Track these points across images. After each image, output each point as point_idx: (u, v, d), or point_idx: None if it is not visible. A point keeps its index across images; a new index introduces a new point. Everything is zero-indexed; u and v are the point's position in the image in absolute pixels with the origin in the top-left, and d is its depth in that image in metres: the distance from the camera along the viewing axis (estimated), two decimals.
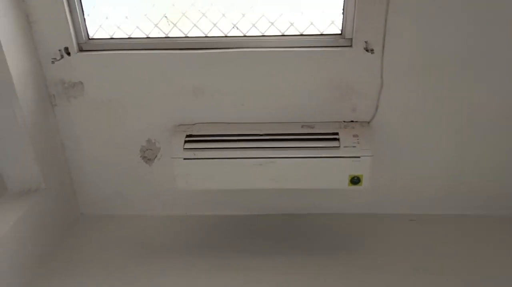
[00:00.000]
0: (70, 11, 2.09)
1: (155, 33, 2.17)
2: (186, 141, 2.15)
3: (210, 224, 2.47)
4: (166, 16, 2.14)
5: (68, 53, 2.14)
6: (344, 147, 2.07)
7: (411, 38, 2.02)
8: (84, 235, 2.43)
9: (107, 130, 2.33)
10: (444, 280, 2.01)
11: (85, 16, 2.14)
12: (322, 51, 2.07)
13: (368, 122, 2.20)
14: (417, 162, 2.33)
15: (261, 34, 2.13)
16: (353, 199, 2.46)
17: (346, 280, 2.04)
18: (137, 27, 2.17)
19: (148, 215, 2.54)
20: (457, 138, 2.26)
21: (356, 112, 2.19)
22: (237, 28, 2.12)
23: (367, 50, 2.02)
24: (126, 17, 2.16)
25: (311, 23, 2.09)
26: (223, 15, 2.11)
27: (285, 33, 2.12)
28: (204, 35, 2.16)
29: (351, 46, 2.05)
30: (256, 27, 2.12)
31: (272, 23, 2.10)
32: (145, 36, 2.18)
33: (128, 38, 2.19)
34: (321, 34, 2.11)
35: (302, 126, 2.19)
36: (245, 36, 2.14)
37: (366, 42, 2.01)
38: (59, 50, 2.13)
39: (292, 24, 2.09)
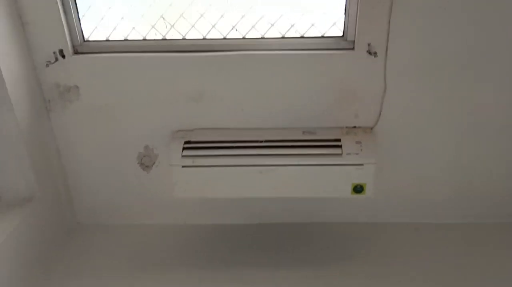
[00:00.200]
0: (65, 12, 2.04)
1: (152, 35, 2.12)
2: (184, 148, 2.09)
3: (210, 234, 2.41)
4: (163, 17, 2.09)
5: (63, 56, 2.09)
6: (347, 154, 2.00)
7: (415, 41, 1.96)
8: (81, 245, 2.38)
9: (103, 136, 2.28)
10: None
11: (80, 17, 2.09)
12: (324, 54, 2.01)
13: (371, 128, 2.14)
14: (422, 169, 2.26)
15: (261, 36, 2.07)
16: (356, 207, 2.39)
17: None
18: (134, 28, 2.12)
19: (147, 224, 2.48)
20: (463, 144, 2.19)
21: (359, 117, 2.13)
22: (237, 30, 2.07)
23: (370, 53, 1.96)
24: (122, 18, 2.11)
25: (312, 25, 2.03)
26: (222, 16, 2.06)
27: (286, 35, 2.06)
28: (202, 37, 2.11)
29: (353, 49, 1.99)
30: (255, 29, 2.06)
31: (272, 25, 2.05)
32: (142, 38, 2.13)
33: (125, 40, 2.14)
34: (323, 37, 2.05)
35: (303, 132, 2.12)
36: (244, 38, 2.08)
37: (369, 44, 1.95)
38: (54, 53, 2.08)
39: (292, 25, 2.04)
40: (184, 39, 2.11)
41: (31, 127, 2.10)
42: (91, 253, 2.30)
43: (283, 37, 2.06)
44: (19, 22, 2.00)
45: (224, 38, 2.09)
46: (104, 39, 2.14)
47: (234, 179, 2.08)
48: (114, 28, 2.12)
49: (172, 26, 2.09)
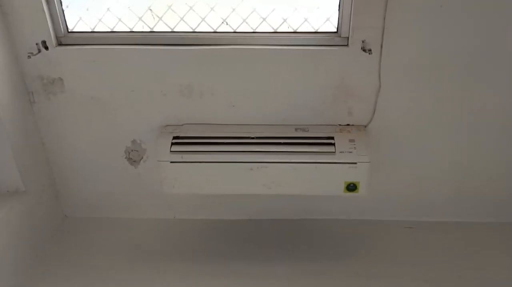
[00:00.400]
0: (47, 2, 1.96)
1: (139, 27, 2.06)
2: (173, 144, 2.05)
3: (200, 229, 2.39)
4: (150, 9, 2.02)
5: (46, 47, 2.02)
6: (340, 152, 1.97)
7: (411, 38, 1.92)
8: (69, 239, 2.35)
9: (90, 129, 2.23)
10: None
11: (64, 8, 2.02)
12: (317, 50, 1.96)
13: (365, 126, 2.11)
14: (417, 167, 2.25)
15: (252, 30, 2.02)
16: (349, 204, 2.38)
17: None
18: (120, 20, 2.05)
19: (135, 218, 2.45)
20: (458, 142, 2.17)
21: (353, 115, 2.09)
22: (227, 24, 2.01)
23: (364, 50, 1.91)
24: (108, 9, 2.04)
25: (305, 20, 1.98)
26: (212, 9, 2.00)
27: (278, 30, 2.01)
28: (191, 30, 2.04)
29: (347, 45, 1.95)
30: (247, 23, 2.01)
31: (264, 19, 1.99)
32: (129, 30, 2.07)
33: (111, 32, 2.07)
34: (316, 32, 2.00)
35: (296, 129, 2.09)
36: (235, 32, 2.03)
37: (363, 41, 1.90)
38: (36, 44, 2.01)
39: (285, 20, 1.98)
40: (172, 32, 2.04)
41: (14, 119, 2.04)
42: (79, 247, 2.28)
43: (275, 32, 2.01)
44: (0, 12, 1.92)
45: (214, 32, 2.03)
46: (89, 30, 2.08)
47: (224, 176, 2.04)
48: (100, 20, 2.05)
49: (160, 18, 2.02)
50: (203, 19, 2.01)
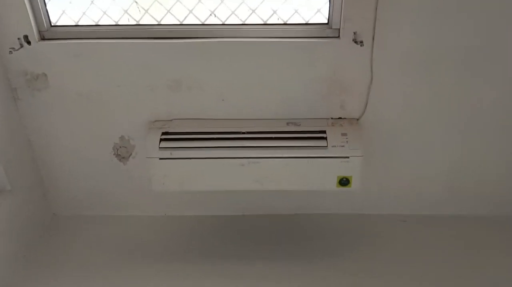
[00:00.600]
0: None
1: (125, 20, 2.00)
2: (162, 140, 2.01)
3: (192, 226, 2.36)
4: (136, 1, 1.97)
5: (28, 42, 1.95)
6: (332, 146, 1.94)
7: (404, 29, 1.87)
8: (58, 238, 2.32)
9: (76, 126, 2.18)
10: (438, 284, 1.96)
11: (46, 1, 1.95)
12: (307, 42, 1.91)
13: (357, 119, 2.08)
14: (410, 160, 2.22)
15: (241, 23, 1.97)
16: (342, 198, 2.35)
17: (334, 284, 1.97)
18: (105, 13, 1.99)
19: (125, 216, 2.41)
20: (453, 136, 2.14)
21: (345, 108, 2.06)
22: (215, 16, 1.96)
23: (356, 42, 1.87)
24: (92, 1, 1.98)
25: (296, 11, 1.93)
26: (200, 0, 1.94)
27: (267, 22, 1.96)
28: (179, 23, 1.99)
29: (338, 37, 1.90)
30: (235, 15, 1.95)
31: (253, 11, 1.94)
32: (114, 24, 2.01)
33: (95, 25, 2.01)
34: (306, 24, 1.95)
35: (287, 123, 2.05)
36: (224, 24, 1.97)
37: (355, 33, 1.86)
38: (18, 39, 1.94)
39: (275, 12, 1.93)
40: (159, 24, 1.99)
41: None
42: (68, 246, 2.25)
43: (264, 24, 1.96)
44: None
45: (202, 24, 1.98)
46: (73, 24, 2.02)
47: (215, 172, 2.01)
48: (84, 13, 1.99)
49: (146, 11, 1.97)
50: (190, 11, 1.96)
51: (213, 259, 2.13)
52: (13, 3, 1.86)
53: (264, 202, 2.38)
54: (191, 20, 1.97)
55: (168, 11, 1.96)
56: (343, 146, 1.94)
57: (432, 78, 1.98)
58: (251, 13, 1.94)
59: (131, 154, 2.23)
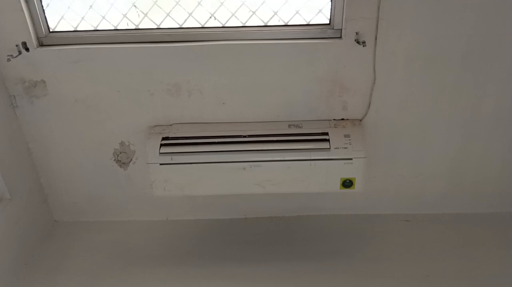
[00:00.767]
0: (27, 1, 1.90)
1: (124, 25, 1.99)
2: (162, 145, 1.99)
3: (194, 230, 2.34)
4: (135, 5, 1.96)
5: (27, 49, 1.95)
6: (335, 148, 1.92)
7: (407, 29, 1.85)
8: (59, 244, 2.30)
9: (76, 132, 2.16)
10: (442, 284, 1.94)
11: (44, 6, 1.95)
12: (309, 43, 1.90)
13: (360, 121, 2.05)
14: (413, 160, 2.20)
15: (242, 25, 1.95)
16: (345, 199, 2.33)
17: (338, 286, 1.95)
18: (104, 17, 1.97)
19: (127, 221, 2.40)
20: (455, 135, 2.13)
21: (347, 110, 2.04)
22: (215, 18, 1.95)
23: (358, 42, 1.85)
24: (91, 6, 1.96)
25: (297, 12, 1.92)
26: (199, 3, 1.93)
27: (268, 24, 1.94)
28: (178, 26, 1.97)
29: (340, 37, 1.88)
30: (236, 17, 1.94)
31: (254, 12, 1.92)
32: (113, 28, 1.99)
33: (94, 30, 2.00)
34: (308, 24, 1.93)
35: (289, 125, 2.03)
36: (224, 27, 1.96)
37: (357, 33, 1.84)
38: (16, 46, 1.93)
39: (275, 13, 1.92)
40: (158, 28, 1.98)
41: None
42: (70, 252, 2.24)
43: (265, 26, 1.95)
44: None
45: (202, 27, 1.97)
46: (72, 29, 2.00)
47: (216, 177, 1.99)
48: (82, 18, 1.98)
49: (146, 15, 1.95)
50: (190, 14, 1.94)
51: (215, 263, 2.11)
52: (11, 9, 1.86)
53: (265, 205, 2.36)
54: (191, 23, 1.96)
55: (168, 14, 1.94)
56: (346, 148, 1.91)
57: (434, 78, 1.96)
58: (251, 15, 1.92)
59: (131, 159, 2.20)
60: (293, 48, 1.91)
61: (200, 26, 1.96)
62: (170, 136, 2.01)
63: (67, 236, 2.34)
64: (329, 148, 1.92)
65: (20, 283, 2.03)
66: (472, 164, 2.20)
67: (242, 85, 2.00)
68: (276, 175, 1.97)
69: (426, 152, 2.17)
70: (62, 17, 1.98)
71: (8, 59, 1.91)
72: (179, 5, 1.93)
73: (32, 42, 1.93)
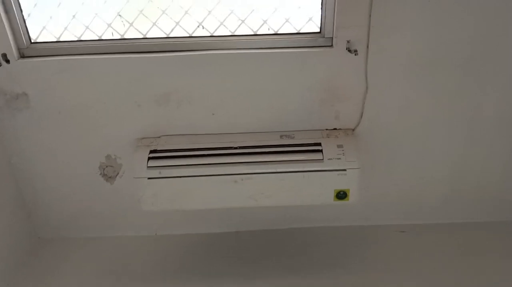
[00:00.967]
0: (6, 11, 1.84)
1: (109, 35, 1.94)
2: (150, 158, 1.93)
3: (183, 244, 2.28)
4: (120, 15, 1.90)
5: (7, 61, 1.89)
6: (328, 159, 1.88)
7: (399, 36, 1.83)
8: (43, 261, 2.23)
9: (60, 146, 2.10)
10: None
11: (25, 16, 1.89)
12: (300, 52, 1.87)
13: (353, 130, 2.02)
14: (407, 170, 2.17)
15: (230, 34, 1.91)
16: (339, 211, 2.30)
17: None
18: (87, 27, 1.92)
19: (114, 237, 2.33)
20: (451, 144, 2.10)
21: (339, 119, 2.01)
22: (203, 27, 1.91)
23: (349, 51, 1.82)
24: (74, 16, 1.91)
25: (287, 20, 1.89)
26: (186, 12, 1.89)
27: (258, 32, 1.91)
28: (165, 36, 1.93)
29: (331, 46, 1.86)
30: (224, 26, 1.90)
31: (243, 21, 1.89)
32: (98, 38, 1.94)
33: (78, 41, 1.95)
34: (298, 33, 1.90)
35: (281, 136, 1.99)
36: (212, 36, 1.92)
37: (348, 41, 1.82)
38: None
39: (265, 21, 1.88)
40: (145, 38, 1.93)
41: None
42: (54, 270, 2.17)
43: (255, 35, 1.91)
44: None
45: (190, 37, 1.93)
46: (54, 40, 1.95)
47: (207, 190, 1.93)
48: (65, 28, 1.93)
49: (131, 24, 1.91)
50: (177, 24, 1.90)
51: (207, 279, 2.05)
52: None
53: (257, 217, 2.31)
54: (178, 32, 1.92)
55: (154, 23, 1.90)
56: (339, 158, 1.88)
57: (428, 84, 1.94)
58: (240, 24, 1.89)
59: (118, 173, 2.14)
60: (283, 57, 1.87)
61: (188, 35, 1.92)
62: (158, 149, 1.96)
63: (52, 254, 2.26)
64: (322, 159, 1.88)
65: None
66: (470, 171, 2.18)
67: (232, 95, 1.96)
68: (269, 187, 1.92)
69: (422, 161, 2.14)
70: (44, 28, 1.92)
71: None
72: (166, 14, 1.88)
73: (13, 53, 1.87)
